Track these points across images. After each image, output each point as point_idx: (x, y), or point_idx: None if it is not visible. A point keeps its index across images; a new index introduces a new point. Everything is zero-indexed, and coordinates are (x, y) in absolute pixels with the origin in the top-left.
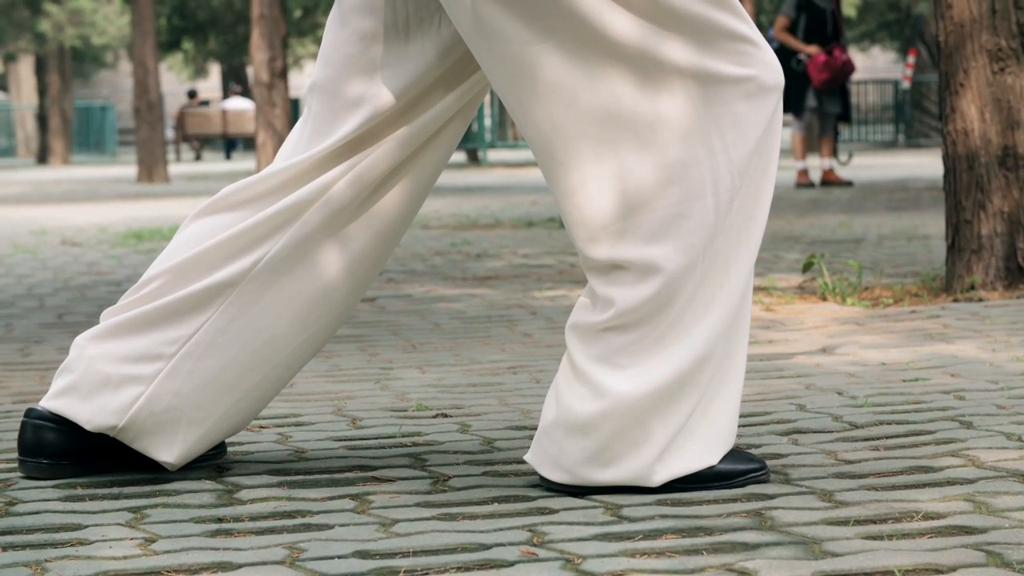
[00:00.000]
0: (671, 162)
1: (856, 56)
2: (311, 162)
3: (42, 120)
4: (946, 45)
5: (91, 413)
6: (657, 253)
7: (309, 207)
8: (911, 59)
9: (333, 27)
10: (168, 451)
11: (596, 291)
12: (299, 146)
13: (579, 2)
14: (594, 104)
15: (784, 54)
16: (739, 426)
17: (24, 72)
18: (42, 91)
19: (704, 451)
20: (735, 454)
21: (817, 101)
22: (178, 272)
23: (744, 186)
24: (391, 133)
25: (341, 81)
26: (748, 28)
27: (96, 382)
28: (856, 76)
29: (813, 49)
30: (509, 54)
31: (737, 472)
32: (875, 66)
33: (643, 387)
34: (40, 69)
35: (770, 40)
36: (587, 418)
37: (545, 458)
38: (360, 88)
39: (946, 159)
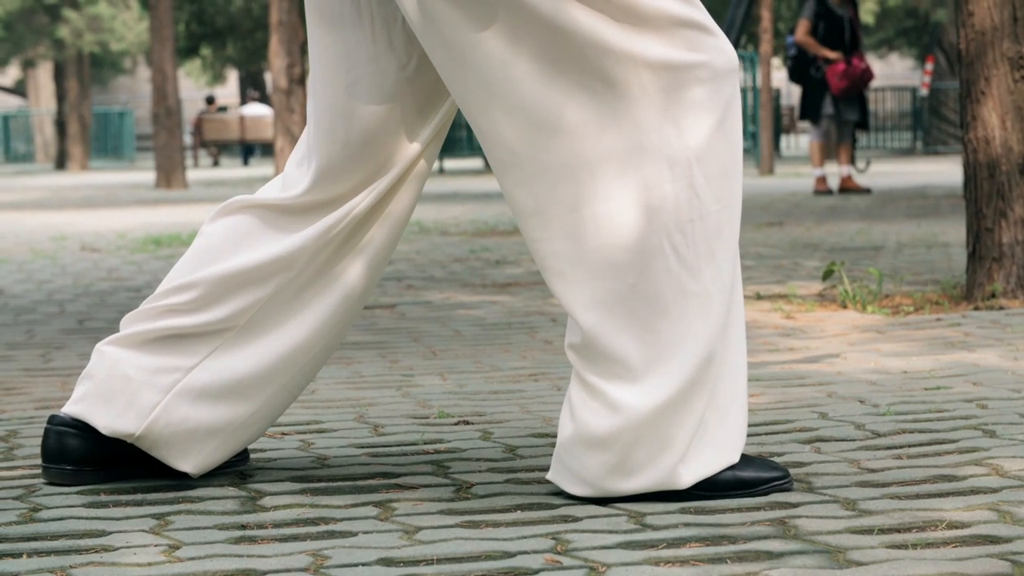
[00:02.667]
0: (625, 151)
1: (874, 63)
2: (335, 190)
3: (60, 126)
4: (967, 53)
5: (109, 419)
6: (616, 243)
7: (336, 227)
8: (929, 66)
9: (309, 27)
10: (186, 461)
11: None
12: (311, 150)
13: None
14: (547, 105)
15: (803, 62)
16: (761, 434)
17: (43, 78)
18: (61, 97)
19: (724, 447)
20: (758, 462)
21: (834, 108)
22: (204, 289)
23: (708, 172)
24: (403, 154)
25: (323, 83)
26: (697, 13)
27: (115, 389)
28: (874, 83)
29: (835, 54)
30: (450, 40)
31: (761, 480)
32: (893, 73)
33: (657, 398)
34: (59, 75)
35: (789, 46)
36: (605, 433)
37: (567, 474)
38: (340, 91)
39: (967, 167)
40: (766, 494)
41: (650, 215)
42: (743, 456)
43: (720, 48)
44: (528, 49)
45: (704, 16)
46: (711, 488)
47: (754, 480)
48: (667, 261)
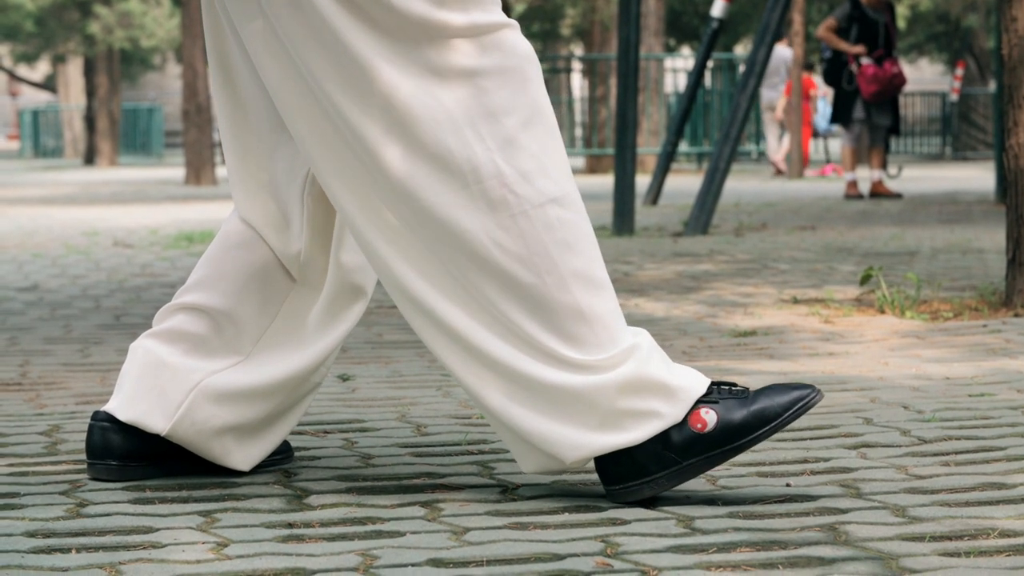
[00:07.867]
0: (430, 167)
1: (904, 68)
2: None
3: (90, 121)
4: (1009, 58)
5: (137, 414)
6: (436, 245)
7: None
8: (959, 71)
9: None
10: (225, 457)
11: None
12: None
13: (331, 18)
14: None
15: (836, 70)
16: (807, 439)
17: (73, 73)
18: (90, 93)
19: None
20: (773, 389)
21: (866, 113)
22: (220, 305)
23: (523, 170)
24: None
25: (218, 64)
26: (487, 15)
27: (146, 387)
28: (904, 88)
29: (857, 48)
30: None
31: (783, 406)
32: (923, 78)
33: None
34: (88, 71)
35: (824, 48)
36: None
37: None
38: (226, 72)
39: (1007, 173)
40: (796, 417)
41: (468, 220)
42: (754, 391)
43: (513, 45)
44: (329, 62)
45: (495, 15)
46: (735, 435)
47: (775, 409)
48: (495, 260)
